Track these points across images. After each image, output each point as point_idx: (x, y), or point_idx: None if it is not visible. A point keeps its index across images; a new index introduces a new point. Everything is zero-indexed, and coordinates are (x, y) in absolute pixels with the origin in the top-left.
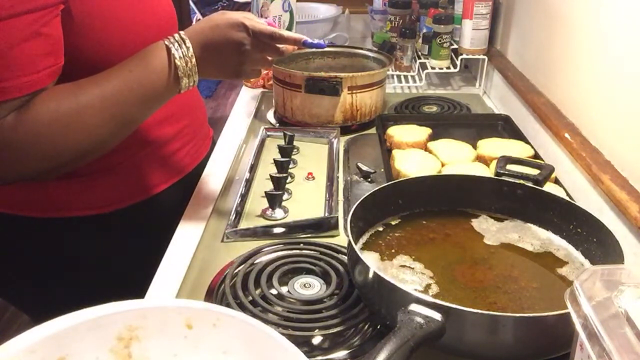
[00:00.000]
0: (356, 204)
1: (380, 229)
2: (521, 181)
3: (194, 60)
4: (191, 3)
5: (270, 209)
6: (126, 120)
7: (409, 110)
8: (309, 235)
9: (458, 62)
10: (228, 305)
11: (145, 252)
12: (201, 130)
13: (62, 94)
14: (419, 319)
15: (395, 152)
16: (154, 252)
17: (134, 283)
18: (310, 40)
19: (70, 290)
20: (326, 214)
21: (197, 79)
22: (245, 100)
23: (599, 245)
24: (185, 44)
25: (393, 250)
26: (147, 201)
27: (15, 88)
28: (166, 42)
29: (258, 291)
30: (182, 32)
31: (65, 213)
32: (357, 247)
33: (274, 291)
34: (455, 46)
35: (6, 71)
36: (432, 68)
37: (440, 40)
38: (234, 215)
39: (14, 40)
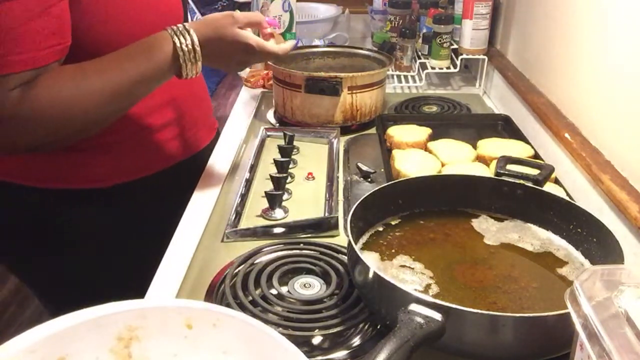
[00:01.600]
0: (356, 204)
1: (380, 229)
2: (521, 181)
3: (198, 49)
4: (191, 2)
5: (270, 209)
6: (124, 105)
7: (409, 110)
8: (309, 235)
9: (458, 62)
10: (228, 305)
11: (145, 231)
12: (206, 119)
13: (66, 77)
14: (419, 319)
15: (395, 152)
16: (155, 232)
17: (135, 270)
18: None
19: (73, 264)
20: (326, 214)
21: (199, 71)
22: (245, 100)
23: (599, 245)
24: (189, 34)
25: (393, 250)
26: (146, 179)
27: (20, 62)
28: (172, 36)
29: (258, 291)
30: (191, 30)
31: (65, 184)
32: (357, 247)
33: (274, 291)
34: (455, 46)
35: (14, 46)
36: (432, 68)
37: (440, 40)
38: (234, 215)
39: (23, 18)
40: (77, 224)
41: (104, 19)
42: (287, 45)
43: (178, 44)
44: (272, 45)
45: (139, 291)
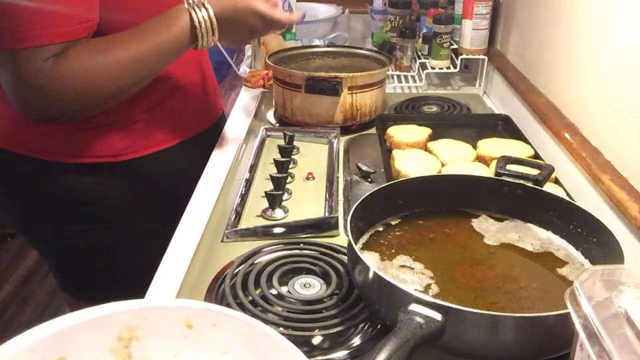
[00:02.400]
0: (356, 204)
1: (380, 229)
2: (521, 181)
3: (214, 21)
4: None
5: (270, 209)
6: (146, 74)
7: (409, 110)
8: (309, 235)
9: (458, 62)
10: (228, 305)
11: (159, 204)
12: (217, 92)
13: (94, 47)
14: (419, 319)
15: (395, 152)
16: (168, 205)
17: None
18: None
19: (86, 234)
20: (326, 214)
21: (215, 41)
22: (245, 100)
23: (599, 245)
24: (204, 7)
25: (393, 250)
26: (153, 155)
27: (53, 35)
28: (189, 9)
29: (258, 291)
30: (206, 2)
31: (79, 159)
32: (357, 247)
33: (274, 291)
34: (455, 46)
35: (48, 21)
36: (432, 68)
37: (440, 40)
38: (234, 215)
39: None
40: (92, 197)
41: (125, 7)
42: (294, 15)
43: (194, 16)
44: (280, 13)
45: (139, 291)
